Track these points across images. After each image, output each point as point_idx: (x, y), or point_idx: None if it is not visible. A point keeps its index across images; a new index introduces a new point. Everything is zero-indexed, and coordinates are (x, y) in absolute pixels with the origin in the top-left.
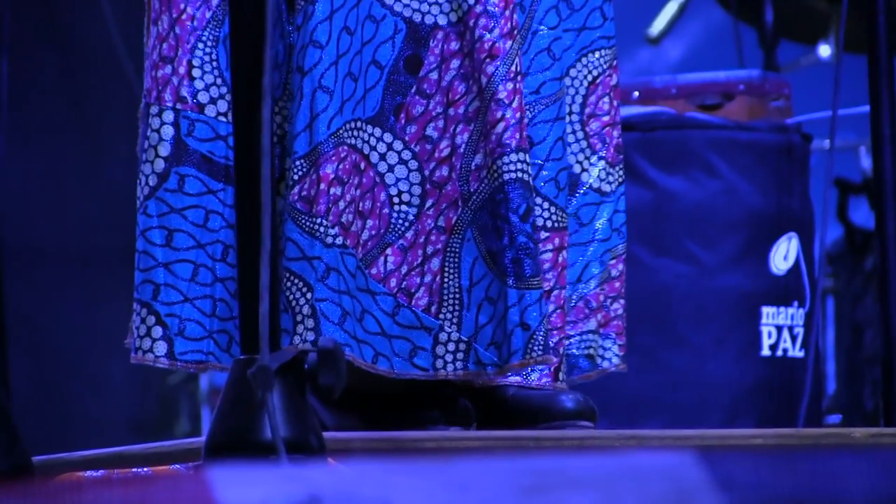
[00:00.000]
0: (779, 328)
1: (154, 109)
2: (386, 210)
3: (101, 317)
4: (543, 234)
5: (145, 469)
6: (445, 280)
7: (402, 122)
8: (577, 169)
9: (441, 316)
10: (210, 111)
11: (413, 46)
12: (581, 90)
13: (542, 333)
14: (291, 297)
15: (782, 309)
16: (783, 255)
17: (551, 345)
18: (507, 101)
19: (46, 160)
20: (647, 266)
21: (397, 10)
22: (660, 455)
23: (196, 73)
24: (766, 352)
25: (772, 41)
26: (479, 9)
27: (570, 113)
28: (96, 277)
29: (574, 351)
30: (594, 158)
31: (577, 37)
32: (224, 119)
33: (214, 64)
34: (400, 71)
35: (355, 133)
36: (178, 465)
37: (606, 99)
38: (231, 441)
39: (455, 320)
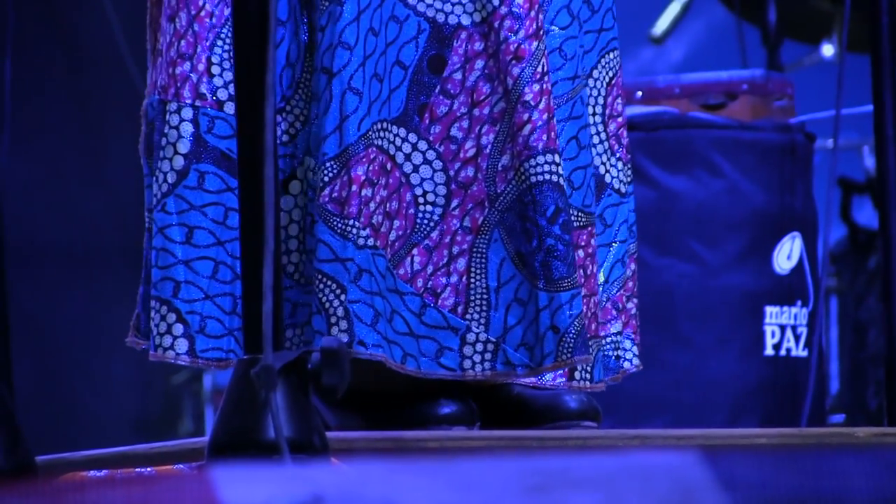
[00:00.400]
0: (782, 327)
1: (172, 106)
2: (412, 210)
3: (105, 316)
4: None
5: (149, 469)
6: (472, 280)
7: (427, 122)
8: (601, 171)
9: (468, 316)
10: (229, 108)
11: (436, 46)
12: (602, 91)
13: (571, 335)
14: (325, 298)
15: (786, 308)
16: (786, 254)
17: (581, 344)
18: (533, 103)
19: (50, 159)
20: (651, 265)
21: (420, 11)
22: (663, 455)
23: (215, 69)
24: (769, 351)
25: (775, 41)
26: (503, 10)
27: (595, 114)
28: (100, 277)
29: (608, 352)
30: (613, 159)
31: (598, 38)
32: None
33: (234, 61)
34: (424, 71)
35: (381, 134)
36: (181, 465)
37: (620, 99)
38: (234, 441)
39: (483, 321)
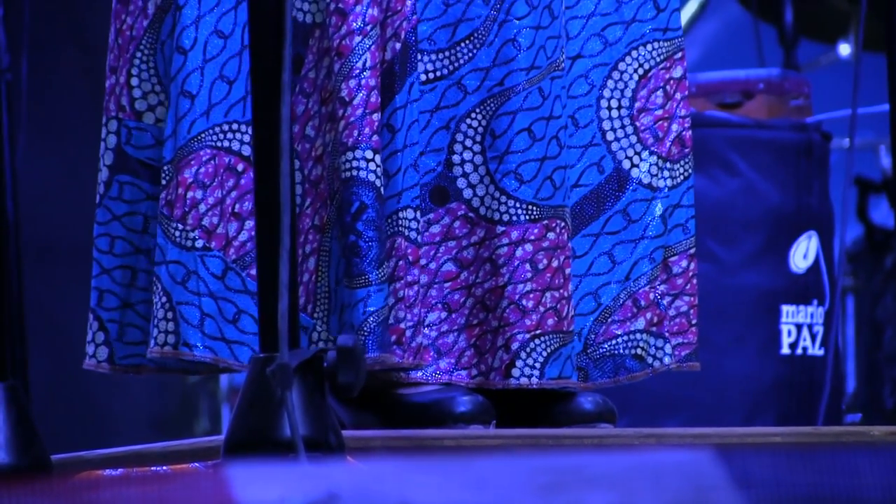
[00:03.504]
0: (798, 326)
1: (104, 119)
2: None
3: None
4: (500, 229)
5: (164, 467)
6: (319, 279)
7: None
8: (626, 165)
9: (315, 315)
10: (148, 118)
11: (297, 46)
12: (630, 84)
13: (364, 335)
14: (156, 300)
15: (802, 307)
16: (803, 253)
17: (374, 343)
18: (347, 99)
19: (66, 158)
20: None
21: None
22: (677, 453)
23: (134, 81)
24: (785, 350)
25: (792, 40)
26: (332, 6)
27: (620, 108)
28: None
29: (621, 351)
30: (645, 154)
31: (626, 30)
32: (164, 125)
33: (152, 72)
34: None
35: (230, 135)
36: (197, 464)
37: (660, 92)
38: (250, 439)
39: (325, 319)
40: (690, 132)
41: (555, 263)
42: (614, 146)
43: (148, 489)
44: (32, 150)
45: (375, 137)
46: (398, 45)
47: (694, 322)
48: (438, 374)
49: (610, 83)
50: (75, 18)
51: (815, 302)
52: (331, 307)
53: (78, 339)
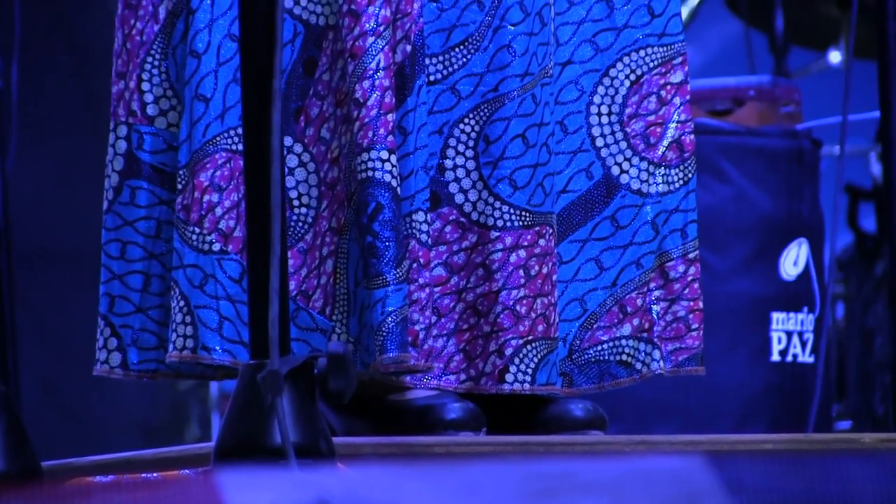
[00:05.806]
0: (789, 333)
1: (111, 125)
2: (286, 213)
3: None
4: (494, 234)
5: (155, 474)
6: (338, 281)
7: (302, 124)
8: (615, 171)
9: (334, 318)
10: (160, 123)
11: (310, 49)
12: (621, 90)
13: (383, 335)
14: (174, 304)
15: (792, 314)
16: (793, 260)
17: (393, 344)
18: (361, 100)
19: (58, 162)
20: None
21: (296, 14)
22: (669, 459)
23: (145, 86)
24: (776, 357)
25: (782, 47)
26: (345, 8)
27: (610, 114)
28: None
29: (606, 357)
30: (635, 159)
31: (618, 36)
32: (176, 130)
33: (164, 76)
34: (299, 74)
35: None
36: (187, 470)
37: (653, 98)
38: (241, 445)
39: (344, 321)
40: (692, 137)
41: (544, 270)
42: (604, 152)
43: (138, 496)
44: (23, 155)
45: (390, 138)
46: (408, 48)
47: (694, 327)
48: (427, 379)
49: (600, 89)
50: (66, 23)
51: (806, 309)
52: (350, 309)
53: (69, 345)
